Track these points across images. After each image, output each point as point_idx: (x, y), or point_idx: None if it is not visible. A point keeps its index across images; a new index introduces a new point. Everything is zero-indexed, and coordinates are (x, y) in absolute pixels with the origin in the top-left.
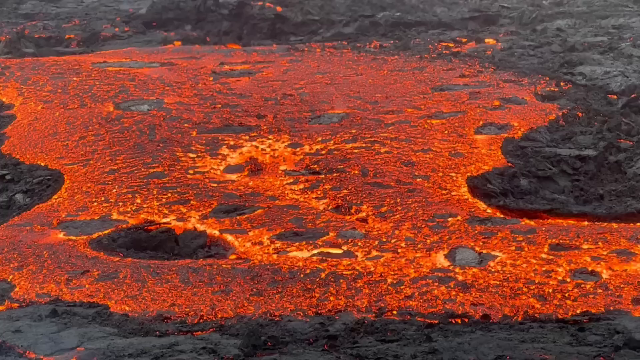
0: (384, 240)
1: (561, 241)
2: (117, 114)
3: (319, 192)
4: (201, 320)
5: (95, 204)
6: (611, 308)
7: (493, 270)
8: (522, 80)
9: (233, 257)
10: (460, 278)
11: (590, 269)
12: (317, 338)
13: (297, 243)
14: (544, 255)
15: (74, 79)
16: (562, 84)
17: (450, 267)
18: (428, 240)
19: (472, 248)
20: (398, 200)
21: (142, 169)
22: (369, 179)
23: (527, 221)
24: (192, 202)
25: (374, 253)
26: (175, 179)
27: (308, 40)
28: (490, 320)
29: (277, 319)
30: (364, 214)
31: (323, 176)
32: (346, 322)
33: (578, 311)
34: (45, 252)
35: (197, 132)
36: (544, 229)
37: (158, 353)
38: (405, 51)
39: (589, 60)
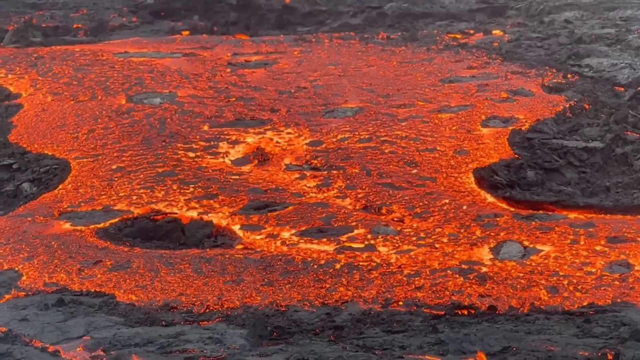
0: (423, 236)
1: (625, 234)
2: (127, 107)
3: (335, 191)
4: (207, 310)
5: (103, 196)
6: (618, 300)
7: (527, 263)
8: (529, 72)
9: (240, 247)
10: (484, 270)
11: (630, 261)
12: (324, 328)
13: (316, 240)
14: (598, 248)
15: (95, 70)
16: (569, 75)
17: (483, 260)
18: (474, 236)
19: (521, 242)
20: (425, 202)
21: (149, 168)
22: (376, 179)
23: (578, 215)
24: (221, 197)
25: (405, 247)
26: (193, 173)
27: (315, 31)
28: (497, 312)
29: (284, 309)
30: (397, 214)
31: (326, 172)
32: (352, 313)
33: (585, 303)
34: (54, 243)
35: (209, 126)
36: (604, 222)
37: (164, 342)
38: (412, 42)
39: (596, 52)
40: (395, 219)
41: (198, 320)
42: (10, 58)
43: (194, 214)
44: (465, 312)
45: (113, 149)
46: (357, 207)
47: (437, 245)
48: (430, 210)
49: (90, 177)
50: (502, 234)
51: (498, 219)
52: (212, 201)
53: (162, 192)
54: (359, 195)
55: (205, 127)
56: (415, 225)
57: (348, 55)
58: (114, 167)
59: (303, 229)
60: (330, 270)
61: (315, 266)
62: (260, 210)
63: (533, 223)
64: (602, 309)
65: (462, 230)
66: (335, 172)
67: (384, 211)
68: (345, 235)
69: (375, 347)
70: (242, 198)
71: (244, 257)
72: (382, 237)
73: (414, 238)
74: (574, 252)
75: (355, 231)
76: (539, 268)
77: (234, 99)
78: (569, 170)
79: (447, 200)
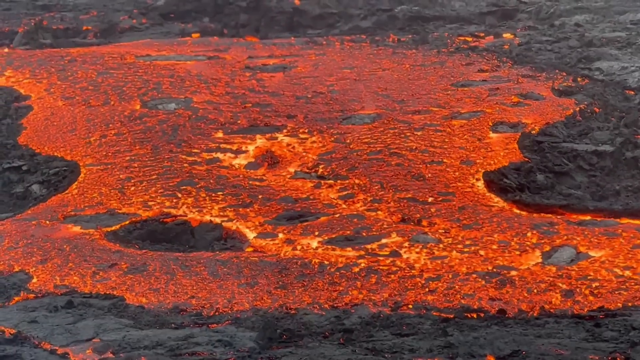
0: (468, 244)
1: None
2: (141, 113)
3: (360, 204)
4: (217, 313)
5: (126, 205)
6: (629, 304)
7: (567, 267)
8: (539, 75)
9: (250, 249)
10: (512, 274)
11: None
12: (333, 331)
13: (338, 249)
14: None
15: (118, 74)
16: (579, 79)
17: (522, 265)
18: (528, 243)
19: (576, 247)
20: (467, 214)
21: (161, 178)
22: (391, 192)
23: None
24: (255, 206)
25: (442, 253)
26: (215, 180)
27: (326, 34)
28: (506, 315)
29: (293, 312)
30: (442, 225)
31: (332, 182)
32: (362, 316)
33: (595, 307)
34: (65, 246)
35: (224, 133)
36: None
37: (173, 345)
38: (423, 45)
39: (606, 56)
40: (441, 230)
41: (208, 323)
42: (46, 61)
43: (230, 222)
44: (475, 316)
45: (123, 157)
46: (395, 220)
47: (481, 252)
48: (480, 222)
49: (99, 185)
50: (558, 240)
51: (557, 226)
52: (247, 209)
53: (191, 199)
54: (392, 209)
55: (218, 134)
56: (461, 234)
57: (362, 59)
58: (123, 176)
59: (328, 237)
60: (347, 274)
61: (332, 269)
62: (294, 220)
63: (597, 229)
64: (612, 313)
65: (515, 238)
66: (344, 181)
67: (425, 223)
68: (376, 243)
69: (385, 350)
70: (275, 207)
71: (259, 260)
72: (419, 245)
73: (460, 246)
74: (630, 256)
75: (386, 240)
76: (573, 272)
77: (250, 104)
78: (578, 174)
79: (488, 215)
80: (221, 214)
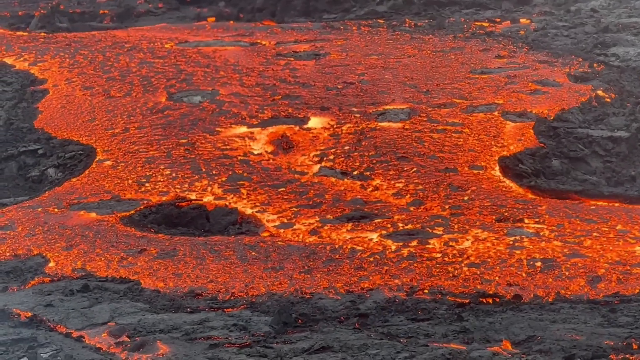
0: (579, 234)
1: None
2: (164, 106)
3: (437, 209)
4: (233, 297)
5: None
6: None
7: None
8: (555, 61)
9: (266, 234)
10: (571, 261)
11: None
12: (348, 316)
13: (389, 241)
14: None
15: (157, 62)
16: (595, 65)
17: (592, 254)
18: None
19: None
20: (584, 212)
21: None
22: (458, 200)
23: None
24: (324, 207)
25: (528, 245)
26: (262, 173)
27: (341, 18)
28: (522, 301)
29: (308, 296)
30: (554, 222)
31: (360, 182)
32: (377, 301)
33: (610, 293)
34: (87, 232)
35: (247, 128)
36: None
37: (189, 329)
38: (440, 30)
39: (622, 42)
40: (554, 226)
41: (223, 307)
42: (108, 48)
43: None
44: (490, 301)
45: (139, 157)
46: (488, 220)
47: (587, 242)
48: (606, 216)
49: (117, 179)
50: None
51: None
52: (313, 210)
53: (266, 196)
54: (484, 212)
55: (238, 129)
56: (574, 227)
57: (383, 45)
58: (148, 172)
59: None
60: (379, 259)
61: (365, 255)
62: (357, 220)
63: None
64: (628, 299)
65: (633, 230)
66: (372, 182)
67: (530, 222)
68: (446, 237)
69: (400, 335)
70: (342, 209)
71: (287, 245)
72: (505, 238)
73: (569, 237)
74: None
75: (460, 234)
76: (635, 260)
77: (279, 97)
78: (594, 160)
79: (606, 207)
80: (291, 215)
